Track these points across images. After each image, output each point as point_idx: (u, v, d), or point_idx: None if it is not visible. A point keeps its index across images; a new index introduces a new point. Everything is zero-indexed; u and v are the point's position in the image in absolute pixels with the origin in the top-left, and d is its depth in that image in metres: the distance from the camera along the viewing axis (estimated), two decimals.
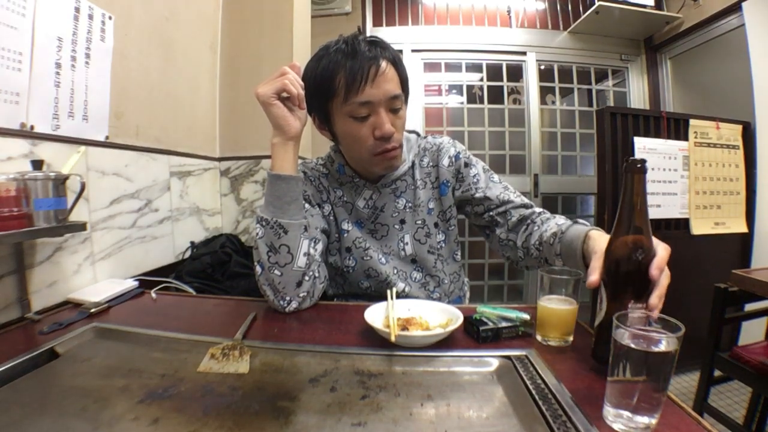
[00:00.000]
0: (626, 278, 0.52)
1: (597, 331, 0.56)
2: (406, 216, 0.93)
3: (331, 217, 0.93)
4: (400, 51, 2.78)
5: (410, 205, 0.93)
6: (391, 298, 0.72)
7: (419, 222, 0.93)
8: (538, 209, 0.91)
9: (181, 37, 1.42)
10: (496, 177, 0.96)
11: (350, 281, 0.94)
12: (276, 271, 0.77)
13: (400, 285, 0.91)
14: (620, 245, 0.52)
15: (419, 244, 0.93)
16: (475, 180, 0.94)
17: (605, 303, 0.54)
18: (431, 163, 0.95)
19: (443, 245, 0.96)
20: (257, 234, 0.78)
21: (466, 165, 0.95)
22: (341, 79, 0.78)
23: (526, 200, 0.93)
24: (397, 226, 0.93)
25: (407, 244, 0.93)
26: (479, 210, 0.94)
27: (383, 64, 0.79)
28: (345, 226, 0.92)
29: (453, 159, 0.95)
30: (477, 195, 0.93)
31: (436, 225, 0.95)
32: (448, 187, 0.95)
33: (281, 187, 0.78)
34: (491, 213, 0.93)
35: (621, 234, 0.53)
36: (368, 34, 2.76)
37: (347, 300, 0.97)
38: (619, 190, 0.54)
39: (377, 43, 0.82)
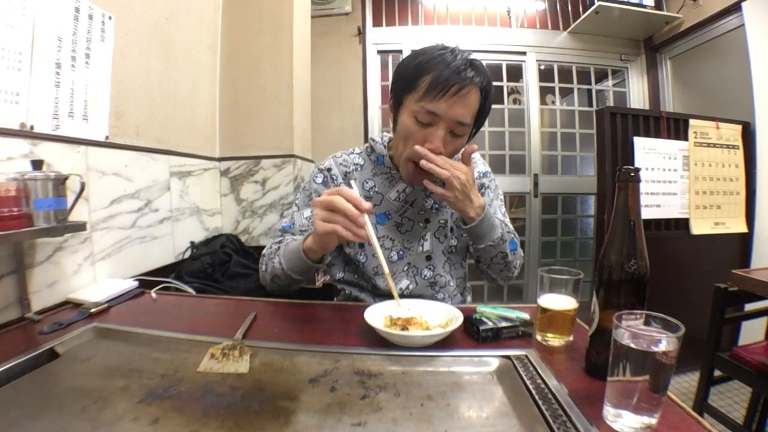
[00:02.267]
0: (619, 287, 0.51)
1: (590, 341, 0.55)
2: (431, 216, 0.96)
3: None
4: (400, 51, 2.79)
5: (436, 206, 0.96)
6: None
7: (441, 221, 0.96)
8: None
9: (181, 38, 1.42)
10: (503, 208, 1.02)
11: (362, 273, 0.96)
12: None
13: (405, 282, 0.93)
14: (613, 254, 0.52)
15: (438, 242, 0.96)
16: (490, 203, 0.98)
17: (597, 313, 0.53)
18: None
19: (455, 250, 0.99)
20: (276, 262, 0.86)
21: (487, 186, 1.00)
22: (426, 81, 0.80)
23: (512, 234, 0.98)
24: (421, 224, 0.95)
25: (427, 240, 0.95)
26: None
27: (470, 88, 0.80)
28: None
29: (480, 175, 1.00)
30: None
31: (452, 229, 0.98)
32: None
33: (298, 263, 0.82)
34: None
35: (614, 242, 0.52)
36: (368, 34, 2.78)
37: (353, 288, 0.98)
38: (613, 198, 0.53)
39: (476, 67, 0.83)
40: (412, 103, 0.82)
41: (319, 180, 0.96)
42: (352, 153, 1.00)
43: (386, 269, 0.73)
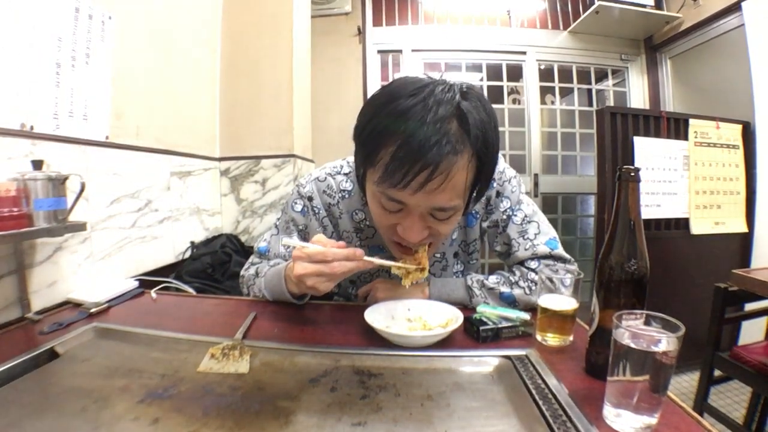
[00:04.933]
0: (618, 287, 0.51)
1: (590, 341, 0.55)
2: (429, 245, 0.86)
3: None
4: (400, 51, 2.78)
5: None
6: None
7: (437, 255, 0.86)
8: (531, 265, 0.78)
9: (181, 38, 1.42)
10: (522, 213, 0.81)
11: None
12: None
13: None
14: (613, 254, 0.51)
15: (432, 278, 0.85)
16: (504, 216, 0.81)
17: (597, 313, 0.53)
18: None
19: (460, 276, 0.88)
20: (259, 287, 0.83)
21: (498, 195, 0.80)
22: (383, 159, 0.58)
23: (530, 251, 0.78)
24: None
25: None
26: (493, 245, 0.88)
27: (449, 166, 0.56)
28: None
29: None
30: (497, 239, 0.84)
31: (455, 255, 0.87)
32: (476, 218, 0.84)
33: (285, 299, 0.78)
34: (497, 251, 0.87)
35: (614, 242, 0.52)
36: (368, 34, 2.77)
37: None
38: (613, 198, 0.53)
39: (464, 117, 0.56)
40: (372, 183, 0.63)
41: (298, 208, 0.83)
42: (339, 173, 0.82)
43: (394, 263, 0.68)
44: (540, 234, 0.80)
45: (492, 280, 0.79)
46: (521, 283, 0.77)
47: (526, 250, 0.79)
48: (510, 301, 0.77)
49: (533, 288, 0.76)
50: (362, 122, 0.63)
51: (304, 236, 0.84)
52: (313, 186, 0.82)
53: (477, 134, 0.57)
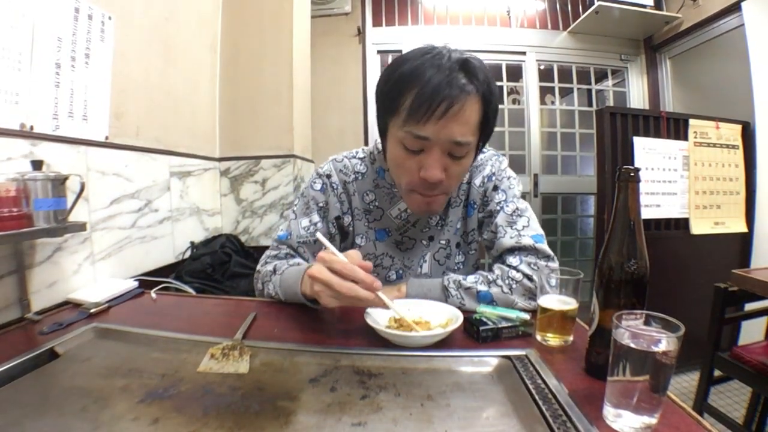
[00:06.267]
0: (619, 287, 0.51)
1: (590, 341, 0.55)
2: (435, 233, 0.90)
3: (350, 228, 0.90)
4: (400, 51, 2.78)
5: (442, 222, 0.89)
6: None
7: (443, 242, 0.90)
8: (513, 262, 0.78)
9: (181, 38, 1.42)
10: (511, 205, 0.84)
11: None
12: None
13: None
14: (613, 254, 0.51)
15: (437, 265, 0.90)
16: (497, 207, 0.85)
17: (597, 313, 0.53)
18: (466, 180, 0.89)
19: (461, 267, 0.92)
20: (272, 290, 0.82)
21: (495, 188, 0.87)
22: (407, 100, 0.68)
23: (515, 240, 0.80)
24: (424, 242, 0.90)
25: (426, 262, 0.90)
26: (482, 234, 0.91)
27: (463, 101, 0.67)
28: (359, 240, 0.90)
29: (485, 179, 0.88)
30: (486, 227, 0.87)
31: (458, 245, 0.92)
32: (474, 209, 0.89)
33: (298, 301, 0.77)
34: (484, 238, 0.89)
35: (614, 242, 0.52)
36: (368, 34, 2.77)
37: None
38: (613, 198, 0.53)
39: (470, 70, 0.68)
40: (397, 129, 0.71)
41: (318, 186, 0.88)
42: (354, 157, 0.90)
43: (397, 311, 0.68)
44: (528, 228, 0.82)
45: (470, 279, 0.78)
46: (499, 281, 0.77)
47: (511, 238, 0.80)
48: (488, 301, 0.76)
49: (513, 286, 0.76)
50: (383, 81, 0.73)
51: (325, 214, 0.88)
52: (331, 165, 0.89)
53: (482, 80, 0.69)
